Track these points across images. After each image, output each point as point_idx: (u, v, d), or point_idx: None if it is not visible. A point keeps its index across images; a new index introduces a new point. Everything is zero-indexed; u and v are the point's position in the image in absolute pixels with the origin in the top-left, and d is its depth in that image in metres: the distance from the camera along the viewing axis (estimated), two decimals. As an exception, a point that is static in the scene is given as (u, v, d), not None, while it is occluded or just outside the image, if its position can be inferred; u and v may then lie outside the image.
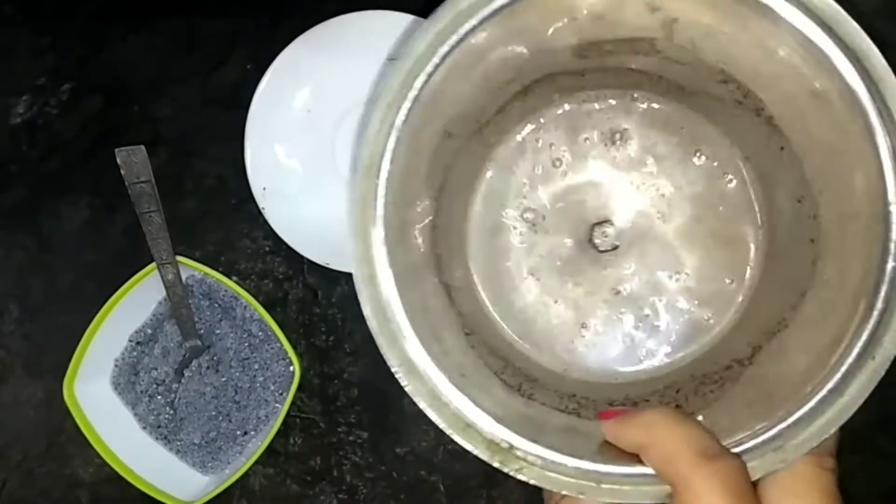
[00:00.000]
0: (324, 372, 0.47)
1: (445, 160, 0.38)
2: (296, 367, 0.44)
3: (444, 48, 0.32)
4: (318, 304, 0.47)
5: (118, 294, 0.43)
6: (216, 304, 0.46)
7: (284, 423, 0.45)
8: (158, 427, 0.46)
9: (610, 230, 0.41)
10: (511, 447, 0.32)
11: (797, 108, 0.35)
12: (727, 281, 0.41)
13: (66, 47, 0.48)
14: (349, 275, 0.46)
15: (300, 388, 0.46)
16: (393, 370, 0.32)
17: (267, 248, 0.47)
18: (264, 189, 0.45)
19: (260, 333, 0.46)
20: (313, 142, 0.47)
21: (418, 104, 0.33)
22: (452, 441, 0.46)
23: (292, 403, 0.44)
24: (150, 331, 0.47)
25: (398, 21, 0.44)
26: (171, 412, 0.46)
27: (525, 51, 0.36)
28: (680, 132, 0.42)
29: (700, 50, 0.36)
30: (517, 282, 0.43)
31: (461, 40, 0.33)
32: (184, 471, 0.46)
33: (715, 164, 0.42)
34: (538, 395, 0.37)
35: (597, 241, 0.42)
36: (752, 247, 0.41)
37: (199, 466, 0.46)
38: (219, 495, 0.43)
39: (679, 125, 0.42)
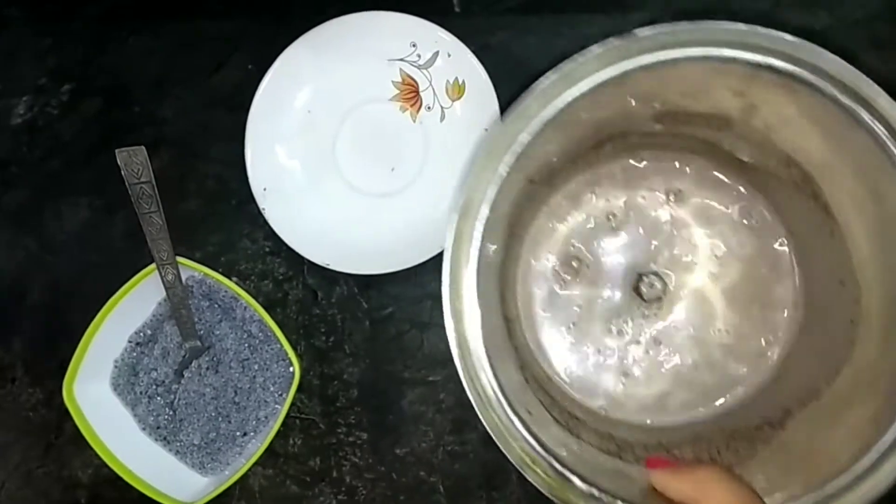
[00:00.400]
0: (323, 373, 0.47)
1: (522, 204, 0.40)
2: (295, 368, 0.44)
3: (550, 111, 0.35)
4: (317, 304, 0.47)
5: (118, 295, 0.43)
6: (216, 305, 0.46)
7: (284, 423, 0.45)
8: (158, 428, 0.46)
9: (657, 283, 0.43)
10: (571, 486, 0.34)
11: (857, 203, 0.37)
12: (763, 341, 0.43)
13: (66, 49, 0.48)
14: (349, 276, 0.46)
15: (300, 388, 0.46)
16: (473, 403, 0.35)
17: (267, 249, 0.47)
18: (265, 190, 0.45)
19: (260, 334, 0.46)
20: (314, 142, 0.47)
21: (518, 157, 0.36)
22: (452, 442, 0.46)
23: (292, 404, 0.44)
24: (149, 331, 0.47)
25: (398, 22, 0.44)
26: (171, 413, 0.46)
27: (612, 114, 0.39)
28: (733, 196, 0.44)
29: (771, 134, 0.38)
30: (561, 325, 0.44)
31: (567, 106, 0.35)
32: (183, 472, 0.46)
33: (763, 230, 0.43)
34: (584, 435, 0.39)
35: (643, 290, 0.43)
36: (791, 311, 0.43)
37: (198, 467, 0.46)
38: (218, 496, 0.43)
39: (732, 190, 0.44)
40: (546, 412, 0.38)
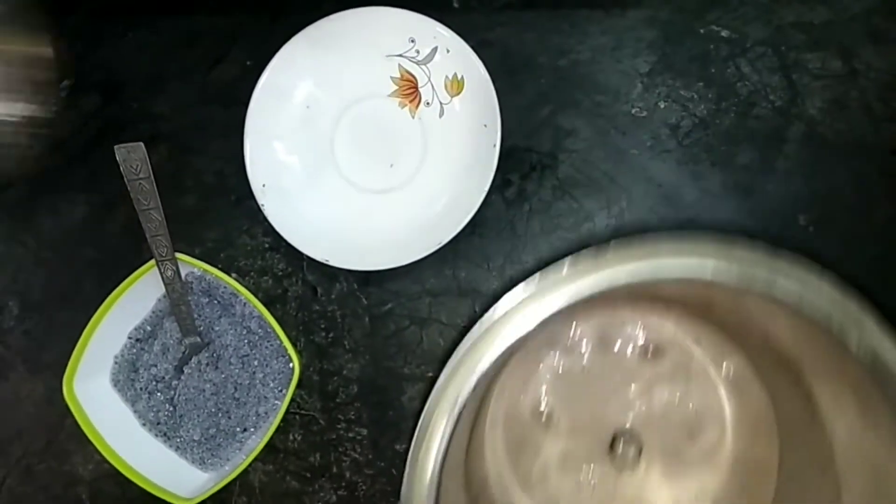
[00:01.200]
0: (323, 369, 0.47)
1: (491, 372, 0.39)
2: (295, 364, 0.44)
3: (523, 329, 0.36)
4: (317, 300, 0.47)
5: (117, 291, 0.43)
6: (215, 301, 0.46)
7: (284, 419, 0.45)
8: (158, 424, 0.46)
9: (632, 446, 0.41)
10: None
11: (843, 405, 0.35)
12: None
13: (64, 45, 0.48)
14: (348, 272, 0.46)
15: (299, 384, 0.46)
16: None
17: (266, 245, 0.47)
18: (264, 186, 0.45)
19: (259, 330, 0.46)
20: (313, 138, 0.47)
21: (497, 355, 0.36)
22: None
23: (292, 400, 0.44)
24: (149, 328, 0.47)
25: (397, 18, 0.44)
26: (171, 409, 0.46)
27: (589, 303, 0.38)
28: (715, 355, 0.42)
29: (755, 320, 0.37)
30: (532, 479, 0.43)
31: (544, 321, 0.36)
32: (183, 467, 0.46)
33: (744, 391, 0.41)
34: None
35: (618, 452, 0.42)
36: (772, 480, 0.41)
37: (198, 463, 0.46)
38: (218, 492, 0.43)
39: (714, 349, 0.42)
40: None
